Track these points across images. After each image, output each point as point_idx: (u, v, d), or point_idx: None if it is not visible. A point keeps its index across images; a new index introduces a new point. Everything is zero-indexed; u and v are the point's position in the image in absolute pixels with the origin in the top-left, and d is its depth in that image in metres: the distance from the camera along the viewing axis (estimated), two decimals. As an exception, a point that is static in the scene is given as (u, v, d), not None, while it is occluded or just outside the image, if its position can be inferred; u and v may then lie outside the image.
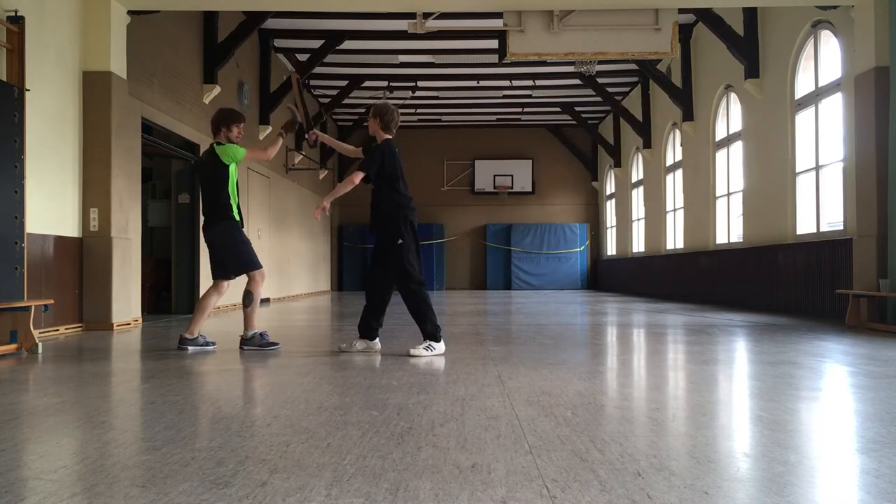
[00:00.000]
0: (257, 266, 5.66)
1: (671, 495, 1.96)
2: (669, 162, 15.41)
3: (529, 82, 16.78)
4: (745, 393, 3.69)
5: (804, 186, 9.61)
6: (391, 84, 16.76)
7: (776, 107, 10.12)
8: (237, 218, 5.60)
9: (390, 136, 5.29)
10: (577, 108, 19.51)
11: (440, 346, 5.10)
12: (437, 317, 5.22)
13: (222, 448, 2.49)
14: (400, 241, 5.10)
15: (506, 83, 16.86)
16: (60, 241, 7.08)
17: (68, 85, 7.24)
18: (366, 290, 5.35)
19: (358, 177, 5.09)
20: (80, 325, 7.41)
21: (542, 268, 21.72)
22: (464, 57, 14.73)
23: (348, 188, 5.16)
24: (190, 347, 5.55)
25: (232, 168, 5.60)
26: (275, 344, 5.62)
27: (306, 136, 5.59)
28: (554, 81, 16.73)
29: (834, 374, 4.32)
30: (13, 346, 5.46)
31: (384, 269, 5.20)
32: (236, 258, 5.61)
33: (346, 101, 18.04)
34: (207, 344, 5.65)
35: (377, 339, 5.38)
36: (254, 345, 5.56)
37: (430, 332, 5.10)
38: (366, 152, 5.30)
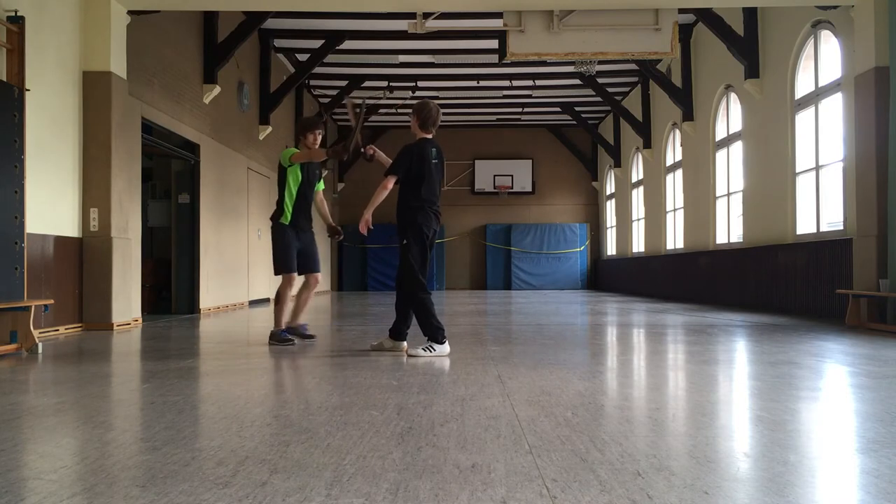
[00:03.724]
0: (287, 270, 6.02)
1: (671, 495, 1.96)
2: (669, 162, 15.41)
3: (529, 82, 16.78)
4: (745, 393, 3.69)
5: (804, 186, 9.61)
6: (391, 84, 16.77)
7: (776, 107, 10.11)
8: (286, 221, 5.96)
9: (429, 136, 5.20)
10: (577, 108, 19.51)
11: (442, 349, 5.06)
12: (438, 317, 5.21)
13: (222, 448, 2.48)
14: (404, 241, 5.11)
15: (506, 83, 16.86)
16: (60, 241, 7.08)
17: (68, 85, 7.24)
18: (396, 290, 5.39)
19: (390, 181, 5.09)
20: (79, 325, 7.41)
21: (542, 268, 21.71)
22: (464, 57, 14.74)
23: (384, 195, 5.16)
24: (272, 342, 5.92)
25: (289, 172, 5.93)
26: (289, 341, 5.89)
27: (363, 150, 5.53)
28: (554, 81, 16.73)
29: (834, 374, 4.32)
30: (13, 346, 5.45)
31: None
32: (274, 258, 6.06)
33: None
34: (286, 341, 5.89)
35: (403, 341, 5.33)
36: (275, 340, 5.93)
37: (430, 334, 5.09)
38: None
